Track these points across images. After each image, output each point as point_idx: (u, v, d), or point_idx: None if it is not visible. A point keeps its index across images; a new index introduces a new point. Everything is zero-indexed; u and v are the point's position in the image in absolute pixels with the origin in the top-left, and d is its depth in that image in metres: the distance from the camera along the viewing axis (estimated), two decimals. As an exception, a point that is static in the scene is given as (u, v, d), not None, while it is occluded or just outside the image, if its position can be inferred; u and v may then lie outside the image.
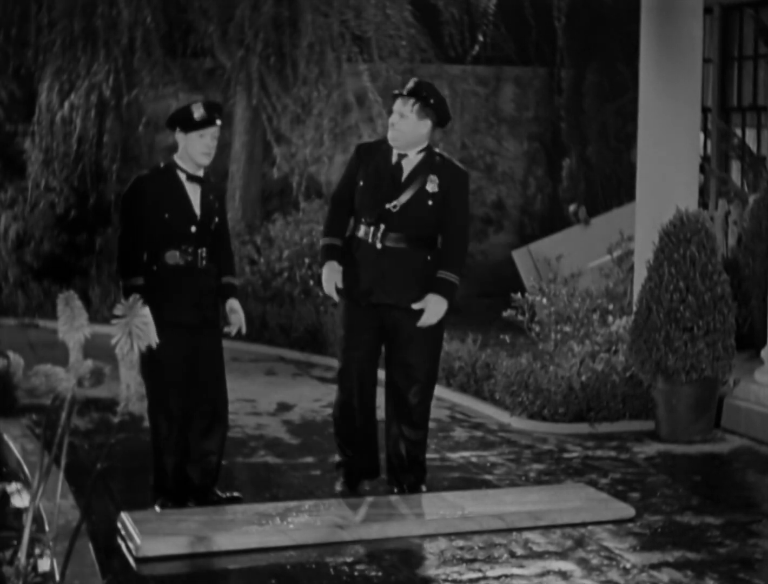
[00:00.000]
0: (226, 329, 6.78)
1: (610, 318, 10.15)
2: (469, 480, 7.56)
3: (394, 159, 6.94)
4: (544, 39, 15.13)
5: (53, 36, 13.71)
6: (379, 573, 5.84)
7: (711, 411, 8.80)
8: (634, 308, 9.04)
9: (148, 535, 6.08)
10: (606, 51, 15.85)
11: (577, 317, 10.32)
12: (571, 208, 14.74)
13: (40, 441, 5.39)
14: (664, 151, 9.64)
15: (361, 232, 6.91)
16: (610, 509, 6.83)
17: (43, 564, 5.00)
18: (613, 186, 15.76)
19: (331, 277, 6.95)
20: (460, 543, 6.29)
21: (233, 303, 6.78)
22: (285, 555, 6.06)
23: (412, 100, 6.89)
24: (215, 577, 5.95)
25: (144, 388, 6.47)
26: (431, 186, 6.90)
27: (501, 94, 16.40)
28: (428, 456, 7.29)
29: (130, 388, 4.19)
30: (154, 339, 4.15)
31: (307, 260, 12.88)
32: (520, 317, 10.66)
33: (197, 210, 6.68)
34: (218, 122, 6.66)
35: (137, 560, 5.94)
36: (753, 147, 15.14)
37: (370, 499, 6.88)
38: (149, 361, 5.40)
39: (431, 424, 7.30)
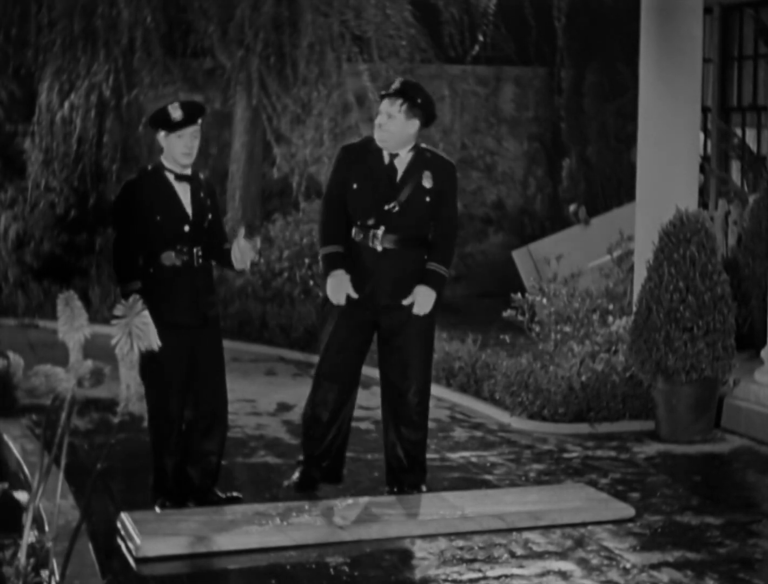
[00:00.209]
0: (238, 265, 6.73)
1: (610, 318, 10.15)
2: (469, 480, 7.56)
3: (387, 159, 6.91)
4: (544, 39, 15.13)
5: (53, 36, 13.71)
6: (379, 573, 5.84)
7: (711, 411, 8.80)
8: (634, 308, 9.04)
9: (148, 535, 6.08)
10: (606, 51, 15.85)
11: (577, 317, 10.32)
12: (571, 208, 14.74)
13: (40, 441, 5.39)
14: (664, 151, 9.64)
15: (360, 235, 6.86)
16: (610, 509, 6.83)
17: (43, 565, 5.00)
18: (613, 186, 15.75)
19: (342, 286, 6.82)
20: (460, 543, 6.29)
21: (241, 240, 6.65)
22: (285, 555, 6.06)
23: (399, 100, 6.86)
24: (215, 577, 5.95)
25: (144, 388, 6.47)
26: (427, 182, 6.90)
27: (501, 94, 16.39)
28: (428, 456, 7.29)
29: (130, 388, 4.19)
30: (155, 343, 4.15)
31: (307, 260, 12.88)
32: (520, 317, 10.66)
33: (189, 209, 6.67)
34: (198, 121, 6.64)
35: (137, 560, 5.94)
36: (753, 147, 15.13)
37: (370, 499, 6.88)
38: (149, 362, 5.40)
39: (431, 424, 7.30)
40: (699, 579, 5.81)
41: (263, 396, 9.98)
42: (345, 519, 6.47)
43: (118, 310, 4.10)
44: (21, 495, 6.04)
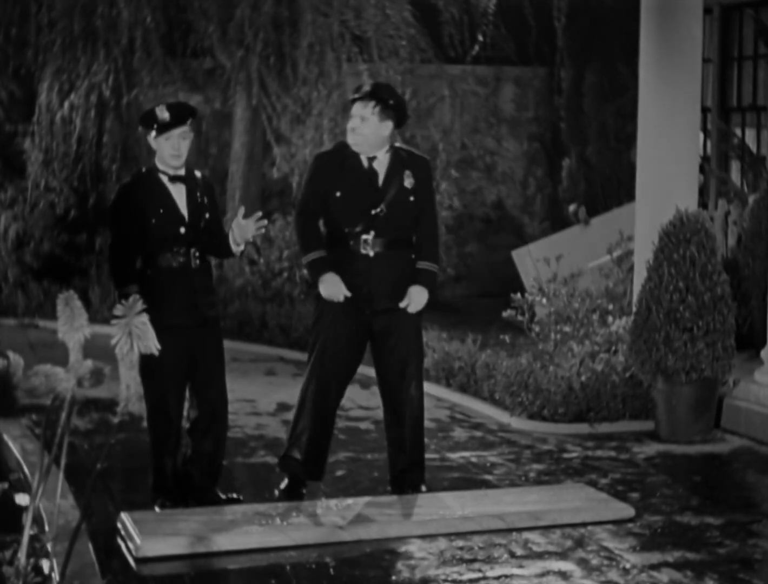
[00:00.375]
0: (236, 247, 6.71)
1: (610, 319, 10.15)
2: (469, 480, 7.56)
3: (366, 163, 6.89)
4: (544, 39, 15.12)
5: (53, 36, 13.72)
6: (379, 573, 5.84)
7: (711, 412, 8.80)
8: (634, 308, 9.04)
9: (148, 535, 6.08)
10: (606, 51, 15.84)
11: (577, 317, 10.32)
12: (571, 208, 14.73)
13: (40, 441, 5.40)
14: (664, 151, 9.64)
15: (350, 243, 6.83)
16: (610, 509, 6.83)
17: (43, 564, 5.00)
18: (613, 186, 15.75)
19: (338, 285, 6.78)
20: (460, 543, 6.29)
21: (240, 219, 6.64)
22: (285, 555, 6.06)
23: (372, 103, 6.84)
24: (215, 577, 5.95)
25: (143, 388, 6.47)
26: (408, 181, 6.91)
27: (501, 94, 16.39)
28: (428, 456, 7.29)
29: (129, 388, 4.19)
30: (155, 345, 4.15)
31: (307, 260, 12.87)
32: (519, 317, 10.66)
33: (184, 211, 6.65)
34: (187, 122, 6.62)
35: (137, 560, 5.94)
36: (753, 147, 15.13)
37: (369, 499, 6.88)
38: (149, 362, 5.39)
39: (431, 424, 7.31)
40: (699, 580, 5.81)
41: (263, 396, 9.98)
42: (345, 519, 6.47)
43: (118, 310, 4.10)
44: (21, 498, 6.06)
